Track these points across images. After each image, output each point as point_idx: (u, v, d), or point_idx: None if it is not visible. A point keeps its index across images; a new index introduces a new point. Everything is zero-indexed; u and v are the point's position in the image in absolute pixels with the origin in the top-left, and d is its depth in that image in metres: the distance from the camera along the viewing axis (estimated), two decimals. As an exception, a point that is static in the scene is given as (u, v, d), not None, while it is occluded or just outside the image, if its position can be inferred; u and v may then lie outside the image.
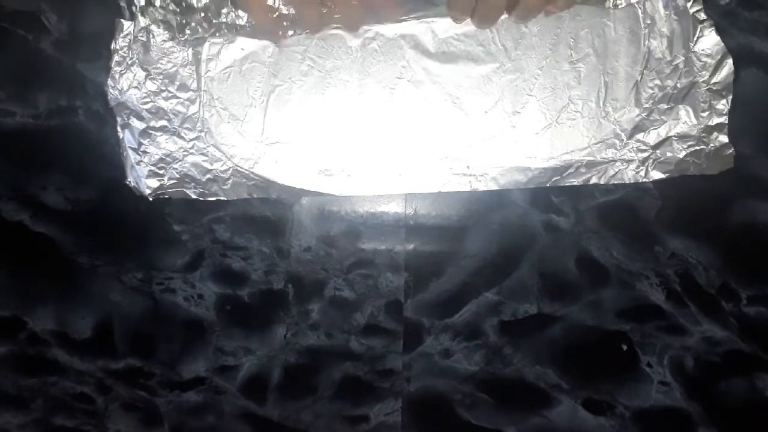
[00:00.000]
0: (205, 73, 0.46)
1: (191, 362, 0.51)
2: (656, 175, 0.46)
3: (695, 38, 0.45)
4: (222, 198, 0.47)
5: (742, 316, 0.49)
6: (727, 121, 0.46)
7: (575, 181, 0.47)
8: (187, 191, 0.47)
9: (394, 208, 0.50)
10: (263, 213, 0.49)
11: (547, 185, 0.47)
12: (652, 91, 0.46)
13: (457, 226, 0.50)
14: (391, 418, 0.51)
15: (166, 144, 0.47)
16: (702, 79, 0.46)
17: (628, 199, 0.49)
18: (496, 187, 0.47)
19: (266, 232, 0.50)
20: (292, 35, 0.46)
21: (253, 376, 0.51)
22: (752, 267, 0.49)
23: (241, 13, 0.46)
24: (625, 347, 0.50)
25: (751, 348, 0.49)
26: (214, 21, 0.46)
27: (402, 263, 0.50)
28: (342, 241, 0.50)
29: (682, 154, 0.46)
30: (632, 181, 0.47)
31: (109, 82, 0.46)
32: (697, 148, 0.46)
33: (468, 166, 0.47)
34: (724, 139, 0.46)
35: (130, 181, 0.47)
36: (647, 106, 0.46)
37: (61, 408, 0.51)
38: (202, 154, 0.47)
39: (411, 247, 0.50)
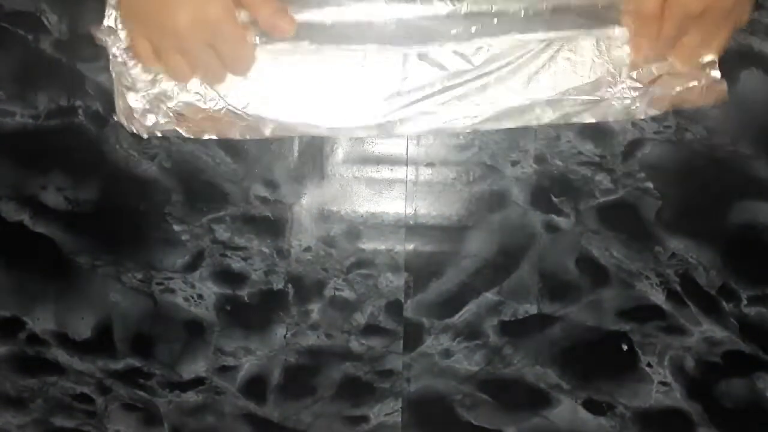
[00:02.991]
0: None
1: (191, 362, 0.51)
2: (651, 112, 0.46)
3: None
4: (214, 137, 0.47)
5: (742, 317, 0.49)
6: (717, 59, 0.46)
7: (572, 120, 0.46)
8: (180, 130, 0.47)
9: (394, 208, 0.50)
10: (263, 213, 0.49)
11: (541, 123, 0.46)
12: None
13: (457, 226, 0.50)
14: (391, 419, 0.51)
15: (160, 83, 0.46)
16: None
17: (628, 199, 0.49)
18: (493, 127, 0.46)
19: (266, 232, 0.50)
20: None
21: (253, 376, 0.51)
22: (752, 267, 0.49)
23: None
24: (625, 347, 0.50)
25: (751, 348, 0.49)
26: None
27: (402, 263, 0.50)
28: (342, 241, 0.50)
29: (675, 91, 0.46)
30: (626, 119, 0.46)
31: (105, 21, 0.45)
32: (690, 84, 0.46)
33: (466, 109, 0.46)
34: (716, 74, 0.46)
35: (116, 118, 0.46)
36: None
37: (60, 408, 0.51)
38: (196, 92, 0.46)
39: (411, 247, 0.50)
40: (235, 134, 0.47)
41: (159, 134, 0.46)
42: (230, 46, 0.43)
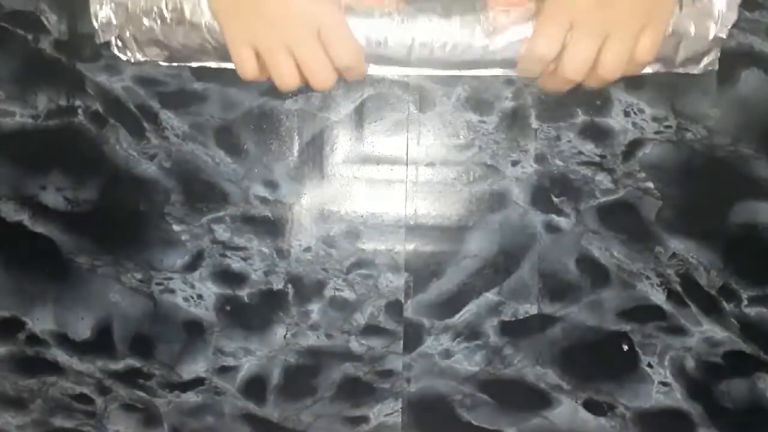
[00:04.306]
0: None
1: (191, 362, 0.51)
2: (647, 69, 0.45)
3: None
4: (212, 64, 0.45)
5: (742, 317, 0.49)
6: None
7: None
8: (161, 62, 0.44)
9: (394, 208, 0.50)
10: (263, 213, 0.49)
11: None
12: None
13: (457, 226, 0.49)
14: (391, 419, 0.51)
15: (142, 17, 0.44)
16: None
17: (629, 199, 0.49)
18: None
19: (266, 232, 0.49)
20: None
21: (253, 376, 0.51)
22: (753, 267, 0.49)
23: None
24: (625, 347, 0.50)
25: (751, 349, 0.49)
26: None
27: (402, 263, 0.50)
28: (342, 241, 0.50)
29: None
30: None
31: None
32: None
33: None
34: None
35: (100, 40, 0.45)
36: None
37: (60, 409, 0.51)
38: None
39: (411, 247, 0.50)
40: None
41: (142, 59, 0.43)
42: (339, 36, 0.37)
